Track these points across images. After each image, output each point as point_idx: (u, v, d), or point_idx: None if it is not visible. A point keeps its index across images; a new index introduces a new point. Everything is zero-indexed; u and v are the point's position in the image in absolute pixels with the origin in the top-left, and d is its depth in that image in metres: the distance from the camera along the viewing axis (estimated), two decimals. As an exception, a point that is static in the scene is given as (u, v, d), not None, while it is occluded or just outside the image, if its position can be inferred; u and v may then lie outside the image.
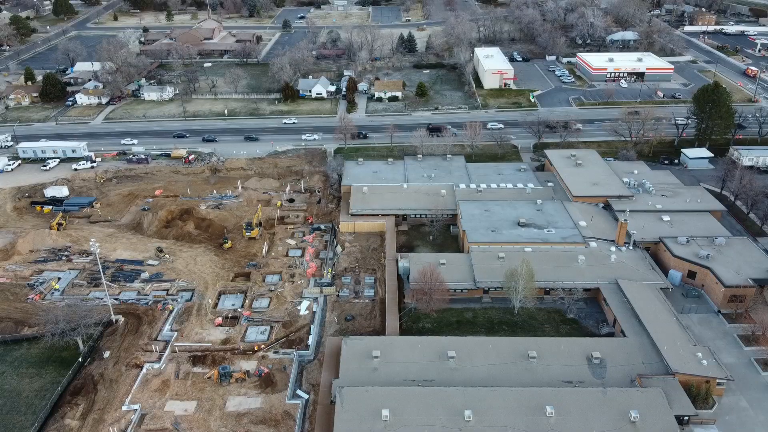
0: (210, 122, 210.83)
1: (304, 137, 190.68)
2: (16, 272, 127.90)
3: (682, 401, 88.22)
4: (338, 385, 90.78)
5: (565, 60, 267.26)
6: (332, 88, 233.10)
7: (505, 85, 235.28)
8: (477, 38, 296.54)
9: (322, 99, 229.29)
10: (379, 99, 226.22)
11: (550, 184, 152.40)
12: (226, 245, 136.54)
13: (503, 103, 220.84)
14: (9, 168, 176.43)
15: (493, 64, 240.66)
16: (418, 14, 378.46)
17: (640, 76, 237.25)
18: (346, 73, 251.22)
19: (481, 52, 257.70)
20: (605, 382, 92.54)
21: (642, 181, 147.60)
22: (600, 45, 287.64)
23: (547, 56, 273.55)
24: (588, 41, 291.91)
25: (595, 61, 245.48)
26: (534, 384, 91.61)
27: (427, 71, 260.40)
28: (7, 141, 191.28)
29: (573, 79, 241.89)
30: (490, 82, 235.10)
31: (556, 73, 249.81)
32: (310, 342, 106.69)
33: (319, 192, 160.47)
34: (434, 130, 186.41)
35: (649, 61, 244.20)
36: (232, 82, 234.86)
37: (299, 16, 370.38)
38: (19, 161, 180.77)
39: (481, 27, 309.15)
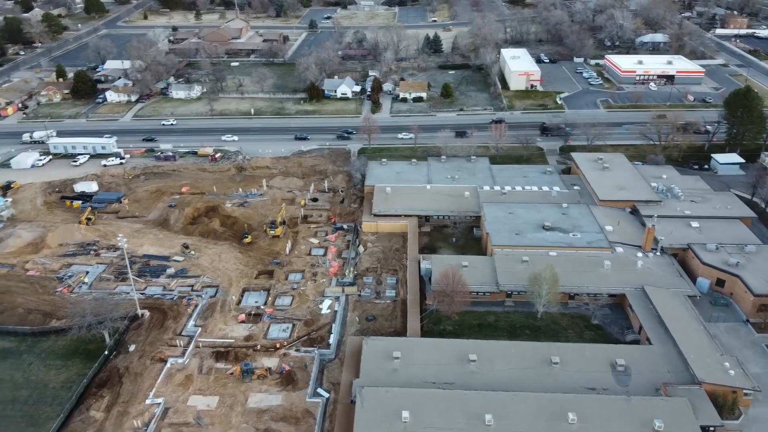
0: (237, 121, 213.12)
1: (400, 135, 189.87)
2: (45, 265, 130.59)
3: (707, 411, 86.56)
4: (359, 384, 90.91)
5: (593, 62, 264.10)
6: (357, 89, 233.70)
7: (532, 86, 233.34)
8: (503, 39, 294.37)
9: (347, 99, 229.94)
10: (404, 99, 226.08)
11: (576, 187, 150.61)
12: (246, 240, 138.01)
13: (529, 104, 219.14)
14: (40, 163, 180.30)
15: (519, 66, 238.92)
16: (444, 15, 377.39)
17: (669, 79, 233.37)
18: (371, 73, 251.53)
19: (507, 53, 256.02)
20: (629, 390, 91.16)
21: (671, 186, 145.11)
22: (629, 47, 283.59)
23: (574, 58, 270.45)
24: (617, 43, 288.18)
25: (623, 63, 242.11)
26: (556, 390, 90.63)
27: (453, 72, 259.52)
28: (53, 135, 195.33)
29: (601, 82, 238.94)
30: (516, 84, 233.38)
31: (584, 75, 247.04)
32: (331, 341, 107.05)
33: (342, 192, 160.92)
34: (547, 129, 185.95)
35: (680, 64, 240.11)
36: (258, 82, 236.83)
37: (325, 16, 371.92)
38: (50, 156, 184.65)
39: (507, 28, 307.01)
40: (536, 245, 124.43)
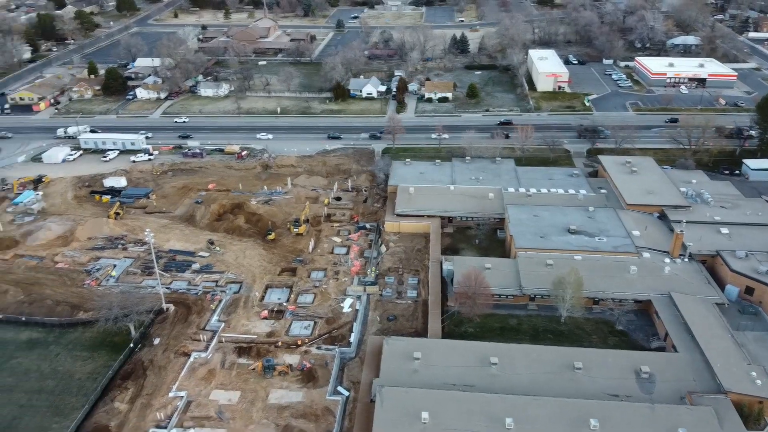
0: (263, 119, 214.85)
1: (433, 136, 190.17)
2: (74, 258, 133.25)
3: (733, 421, 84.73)
4: (378, 384, 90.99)
5: (622, 64, 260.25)
6: (383, 88, 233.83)
7: (559, 88, 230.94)
8: (531, 40, 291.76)
9: (372, 99, 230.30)
10: (429, 100, 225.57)
11: (603, 190, 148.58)
12: (270, 237, 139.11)
13: (557, 106, 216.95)
14: (71, 158, 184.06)
15: (547, 67, 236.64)
16: (471, 15, 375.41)
17: (701, 82, 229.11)
18: (396, 73, 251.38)
19: (535, 54, 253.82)
20: (653, 398, 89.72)
21: (700, 191, 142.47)
22: (660, 49, 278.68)
23: (604, 59, 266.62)
24: (647, 45, 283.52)
25: (654, 65, 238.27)
26: (578, 395, 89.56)
27: (479, 72, 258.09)
28: (86, 130, 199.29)
29: (630, 84, 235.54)
30: (543, 85, 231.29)
31: (613, 77, 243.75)
32: (352, 340, 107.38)
33: (365, 191, 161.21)
34: (584, 132, 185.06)
35: (711, 67, 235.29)
36: (285, 81, 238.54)
37: (353, 16, 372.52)
38: (81, 152, 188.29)
39: (536, 29, 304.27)
40: (561, 249, 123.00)
